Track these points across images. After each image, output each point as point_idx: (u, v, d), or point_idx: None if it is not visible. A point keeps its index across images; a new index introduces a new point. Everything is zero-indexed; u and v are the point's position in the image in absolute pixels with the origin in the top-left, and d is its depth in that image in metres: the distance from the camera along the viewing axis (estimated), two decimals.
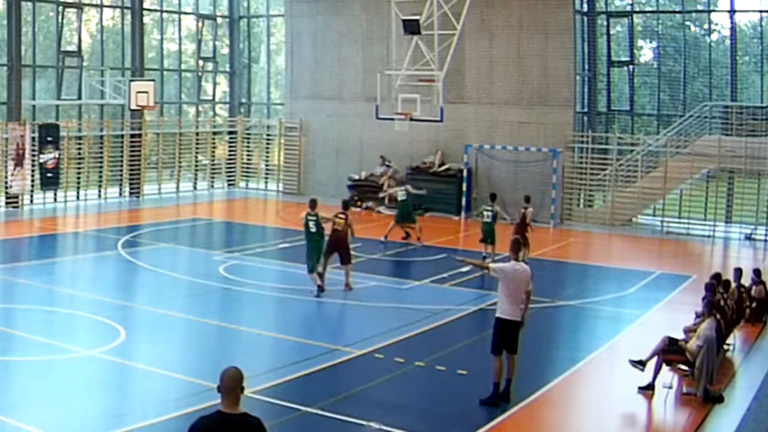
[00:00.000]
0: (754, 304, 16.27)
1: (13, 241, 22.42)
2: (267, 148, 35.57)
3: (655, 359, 12.14)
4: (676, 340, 12.36)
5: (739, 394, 12.45)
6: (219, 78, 35.70)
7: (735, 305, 14.50)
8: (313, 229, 16.88)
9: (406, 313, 16.07)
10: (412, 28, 24.91)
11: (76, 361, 12.53)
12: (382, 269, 20.04)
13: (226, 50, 35.99)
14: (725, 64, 28.64)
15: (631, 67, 30.22)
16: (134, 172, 30.88)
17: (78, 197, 29.32)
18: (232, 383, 5.93)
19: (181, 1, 33.87)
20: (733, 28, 28.56)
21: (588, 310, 17.17)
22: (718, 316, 12.63)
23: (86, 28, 30.76)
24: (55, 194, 28.69)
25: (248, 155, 35.68)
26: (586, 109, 30.31)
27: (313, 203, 17.18)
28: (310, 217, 16.90)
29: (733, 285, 15.32)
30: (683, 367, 12.32)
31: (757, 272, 17.01)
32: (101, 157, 29.99)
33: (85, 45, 30.52)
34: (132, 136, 30.78)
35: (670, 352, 12.14)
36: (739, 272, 16.27)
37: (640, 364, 12.25)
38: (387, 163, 30.81)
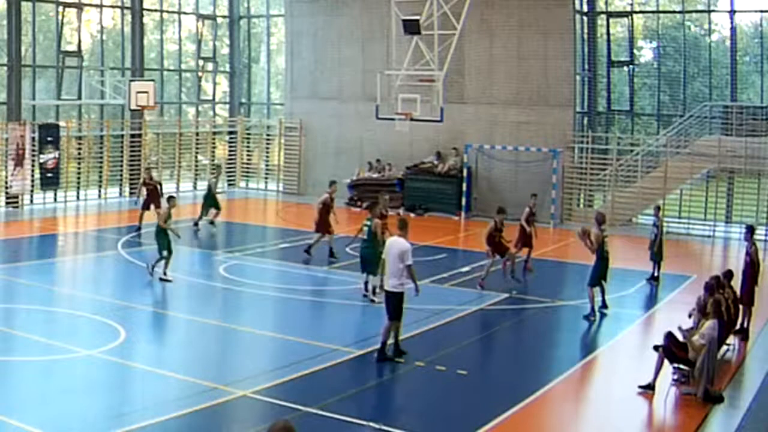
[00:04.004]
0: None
1: (13, 241, 22.41)
2: (267, 148, 35.56)
3: (656, 357, 12.10)
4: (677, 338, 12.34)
5: (739, 394, 12.45)
6: (219, 78, 35.68)
7: (732, 305, 14.47)
8: None
9: (406, 313, 16.04)
10: (412, 28, 24.89)
11: (76, 361, 12.52)
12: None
13: (226, 50, 35.97)
14: (725, 64, 28.62)
15: (631, 67, 30.21)
16: (134, 172, 30.87)
17: (78, 197, 29.30)
18: None
19: (181, 1, 33.86)
20: (733, 28, 28.55)
21: (588, 310, 17.13)
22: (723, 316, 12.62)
23: (86, 28, 30.73)
24: (55, 194, 28.68)
25: (248, 155, 35.66)
26: (586, 110, 30.29)
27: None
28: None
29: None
30: (683, 367, 12.31)
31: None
32: (101, 157, 29.98)
33: (85, 45, 30.50)
34: (132, 136, 30.76)
35: (672, 345, 12.07)
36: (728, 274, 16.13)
37: (649, 388, 12.08)
38: (387, 164, 30.72)
